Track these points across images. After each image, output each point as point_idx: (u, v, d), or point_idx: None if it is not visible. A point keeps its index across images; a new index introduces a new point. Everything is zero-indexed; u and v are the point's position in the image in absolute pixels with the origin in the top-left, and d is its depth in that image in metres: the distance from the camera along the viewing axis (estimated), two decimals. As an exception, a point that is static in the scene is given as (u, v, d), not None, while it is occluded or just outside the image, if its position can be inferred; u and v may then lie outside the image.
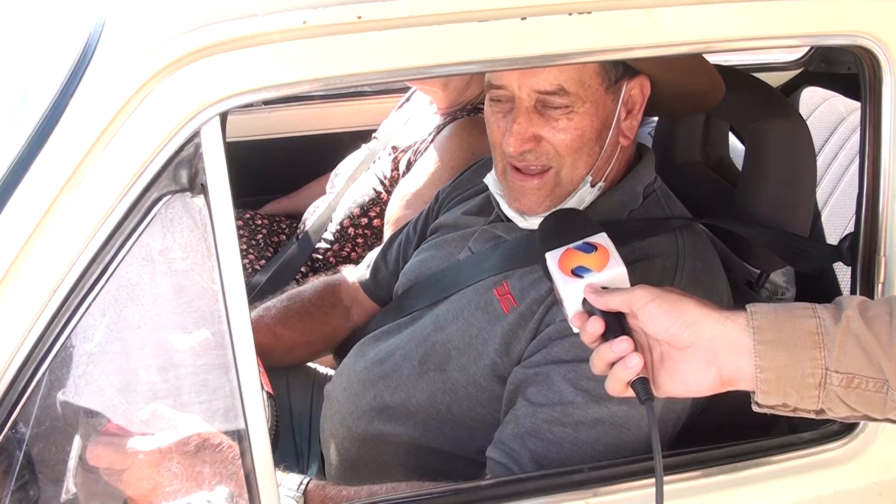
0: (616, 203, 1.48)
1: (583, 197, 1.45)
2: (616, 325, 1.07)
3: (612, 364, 1.05)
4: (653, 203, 1.50)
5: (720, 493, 1.26)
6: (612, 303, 1.07)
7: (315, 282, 1.94)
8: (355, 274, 1.92)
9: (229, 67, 0.98)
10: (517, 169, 1.43)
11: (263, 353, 1.71)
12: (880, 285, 1.27)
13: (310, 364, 1.98)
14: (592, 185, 1.45)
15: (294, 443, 1.85)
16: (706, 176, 1.81)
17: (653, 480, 1.16)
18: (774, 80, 2.70)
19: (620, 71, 1.40)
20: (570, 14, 1.05)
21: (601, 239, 1.15)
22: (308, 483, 1.32)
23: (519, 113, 1.38)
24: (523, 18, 1.03)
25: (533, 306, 1.42)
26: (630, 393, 1.06)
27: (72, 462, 1.12)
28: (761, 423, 1.37)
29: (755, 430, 1.33)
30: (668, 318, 1.04)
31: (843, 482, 1.30)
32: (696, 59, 1.45)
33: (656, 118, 1.97)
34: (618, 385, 1.06)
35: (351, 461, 1.58)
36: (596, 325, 1.07)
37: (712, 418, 1.40)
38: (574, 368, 1.31)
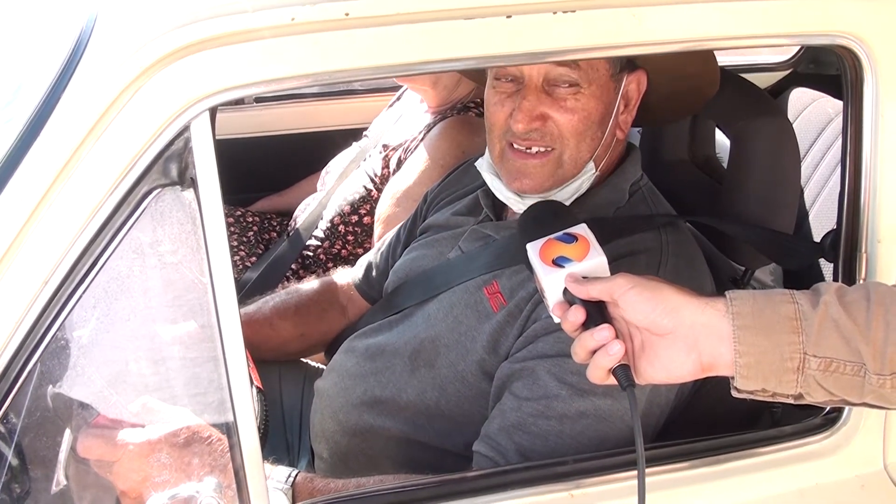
0: (603, 200, 1.50)
1: (582, 185, 1.47)
2: (597, 313, 1.08)
3: (594, 352, 1.06)
4: (638, 201, 1.52)
5: (704, 485, 1.27)
6: (593, 291, 1.08)
7: (315, 280, 1.96)
8: (350, 275, 1.94)
9: (219, 63, 0.99)
10: (517, 150, 1.44)
11: (259, 345, 1.73)
12: (862, 281, 1.28)
13: (301, 359, 1.99)
14: (594, 173, 1.47)
15: (285, 437, 1.86)
16: (693, 174, 1.83)
17: (636, 472, 1.18)
18: (763, 80, 2.71)
19: (623, 62, 1.43)
20: (555, 13, 1.06)
21: (581, 229, 1.16)
22: (296, 475, 1.33)
23: (529, 91, 1.40)
24: (509, 16, 1.05)
25: (521, 304, 1.43)
26: (611, 380, 1.07)
27: (62, 454, 1.13)
28: (745, 417, 1.39)
29: (739, 423, 1.35)
30: (648, 304, 1.05)
31: (826, 475, 1.32)
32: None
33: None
34: (599, 373, 1.07)
35: (341, 454, 1.59)
36: (577, 314, 1.08)
37: (697, 411, 1.41)
38: (559, 363, 1.32)
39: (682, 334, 1.04)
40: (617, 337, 1.05)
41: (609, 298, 1.08)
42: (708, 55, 1.46)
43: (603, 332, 1.05)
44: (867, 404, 1.03)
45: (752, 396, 1.05)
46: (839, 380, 1.01)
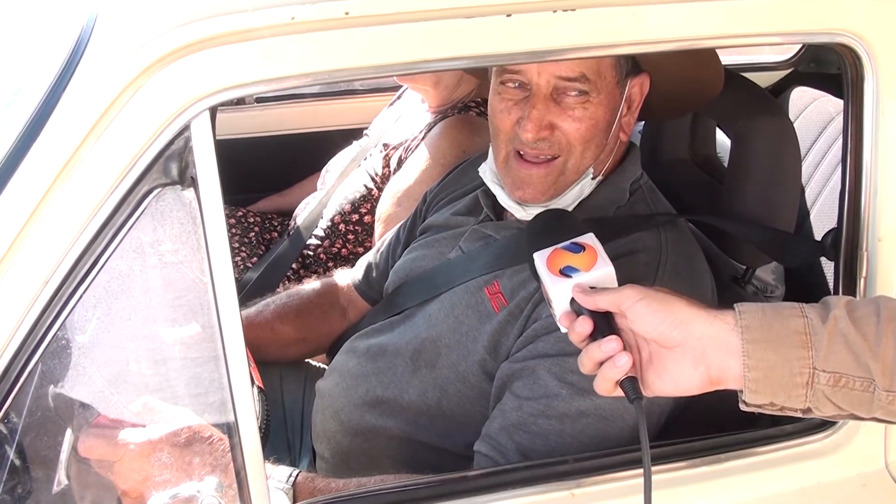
0: (603, 199, 1.50)
1: (583, 189, 1.47)
2: (604, 324, 1.07)
3: (601, 363, 1.05)
4: (638, 199, 1.52)
5: (704, 484, 1.27)
6: (601, 302, 1.07)
7: (315, 282, 1.96)
8: (350, 275, 1.94)
9: (219, 62, 0.99)
10: (522, 158, 1.44)
11: (260, 348, 1.73)
12: (863, 280, 1.29)
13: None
14: (593, 178, 1.47)
15: (286, 437, 1.86)
16: (693, 173, 1.83)
17: (637, 471, 1.19)
18: (765, 79, 2.71)
19: (629, 68, 1.43)
20: (555, 11, 1.06)
21: (589, 239, 1.15)
22: (297, 475, 1.33)
23: (537, 100, 1.40)
24: (508, 15, 1.05)
25: (522, 304, 1.43)
26: (619, 392, 1.06)
27: (64, 454, 1.13)
28: (746, 416, 1.38)
29: (739, 422, 1.35)
30: (656, 316, 1.04)
31: (827, 474, 1.32)
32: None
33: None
34: (606, 384, 1.06)
35: (342, 454, 1.59)
36: (584, 325, 1.07)
37: (697, 411, 1.41)
38: (559, 362, 1.32)
39: (690, 347, 1.03)
40: (624, 348, 1.04)
41: (617, 309, 1.07)
42: (711, 57, 1.46)
43: (611, 343, 1.04)
44: (877, 419, 1.03)
45: (760, 410, 1.04)
46: (848, 395, 1.00)
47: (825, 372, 1.00)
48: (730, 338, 1.02)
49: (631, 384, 1.04)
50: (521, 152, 1.44)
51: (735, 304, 1.05)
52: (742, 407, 1.05)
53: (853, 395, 1.00)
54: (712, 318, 1.03)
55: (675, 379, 1.05)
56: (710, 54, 1.46)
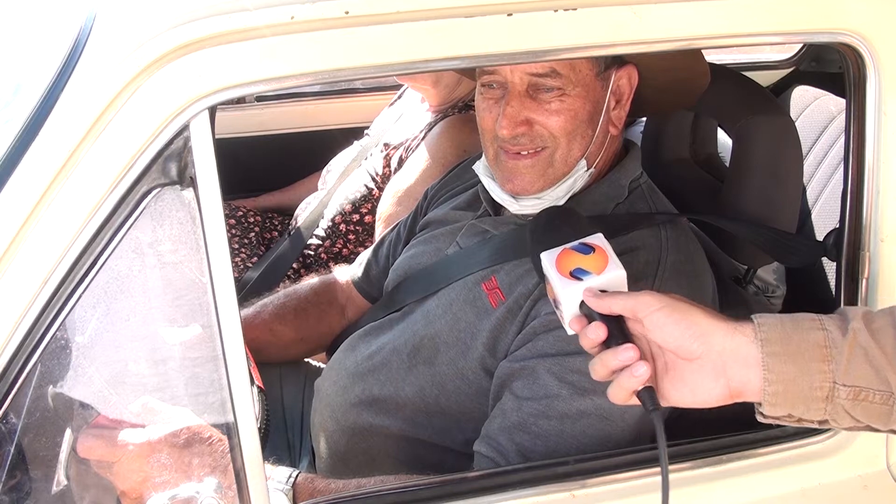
0: (601, 196, 1.50)
1: (575, 182, 1.46)
2: (617, 330, 1.04)
3: (615, 371, 1.03)
4: (637, 197, 1.51)
5: (706, 486, 1.26)
6: (615, 307, 1.05)
7: (312, 280, 1.95)
8: (349, 272, 1.93)
9: (218, 62, 0.98)
10: (509, 152, 1.44)
11: (259, 350, 1.73)
12: (864, 280, 1.28)
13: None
14: (587, 171, 1.46)
15: (286, 437, 1.86)
16: (694, 172, 1.82)
17: (638, 472, 1.19)
18: (766, 78, 2.71)
19: (610, 59, 1.42)
20: (556, 10, 1.06)
21: (598, 240, 1.12)
22: (297, 476, 1.33)
23: (512, 97, 1.40)
24: (509, 14, 1.05)
25: (520, 300, 1.43)
26: (634, 401, 1.03)
27: (63, 454, 1.13)
28: (747, 417, 1.38)
29: (741, 423, 1.34)
30: (677, 327, 1.01)
31: (828, 475, 1.31)
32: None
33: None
34: (623, 393, 1.03)
35: (340, 454, 1.59)
36: (598, 331, 1.04)
37: (699, 411, 1.40)
38: (559, 362, 1.32)
39: (711, 360, 1.01)
40: (641, 357, 1.02)
41: (632, 315, 1.04)
42: (696, 52, 1.46)
43: (628, 352, 1.01)
44: (893, 431, 1.02)
45: (777, 422, 1.03)
46: (867, 408, 0.99)
47: (845, 386, 0.99)
48: (749, 350, 1.00)
49: (648, 394, 1.01)
50: (505, 149, 1.45)
51: (753, 316, 1.03)
52: (759, 419, 1.04)
53: (872, 408, 0.99)
54: (732, 329, 1.01)
55: (694, 390, 1.03)
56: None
